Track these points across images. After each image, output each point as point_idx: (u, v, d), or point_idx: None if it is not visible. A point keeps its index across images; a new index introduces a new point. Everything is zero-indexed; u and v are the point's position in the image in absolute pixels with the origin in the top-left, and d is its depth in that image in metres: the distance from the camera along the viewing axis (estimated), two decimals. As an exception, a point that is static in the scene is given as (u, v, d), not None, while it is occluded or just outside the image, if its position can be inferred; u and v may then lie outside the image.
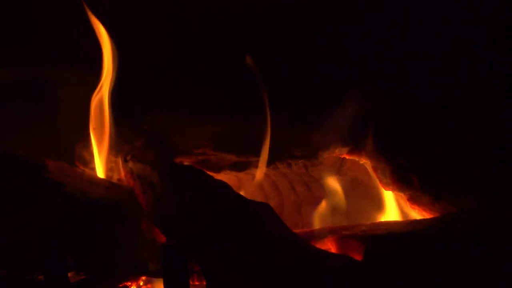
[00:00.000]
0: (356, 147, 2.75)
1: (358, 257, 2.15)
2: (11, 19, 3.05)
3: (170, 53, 3.00)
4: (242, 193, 2.61)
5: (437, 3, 2.83)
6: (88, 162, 2.75)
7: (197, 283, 2.30)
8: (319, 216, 2.78)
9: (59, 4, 2.99)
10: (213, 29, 3.01)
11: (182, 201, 2.28)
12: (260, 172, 2.71)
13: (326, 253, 2.17)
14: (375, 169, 2.68)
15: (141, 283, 2.40)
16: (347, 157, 2.81)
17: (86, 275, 2.27)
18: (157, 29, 3.00)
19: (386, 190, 2.68)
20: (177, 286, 1.98)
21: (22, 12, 3.06)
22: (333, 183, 2.84)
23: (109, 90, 2.69)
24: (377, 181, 2.70)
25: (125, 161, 2.63)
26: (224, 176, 2.77)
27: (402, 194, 2.62)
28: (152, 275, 2.34)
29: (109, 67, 2.69)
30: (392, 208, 2.73)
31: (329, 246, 2.31)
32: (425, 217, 2.56)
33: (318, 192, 2.90)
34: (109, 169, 2.70)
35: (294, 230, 2.31)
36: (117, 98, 2.70)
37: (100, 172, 2.70)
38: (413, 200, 2.59)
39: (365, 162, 2.76)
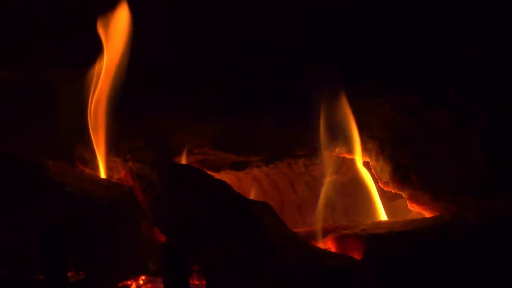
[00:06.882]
0: (355, 146, 2.74)
1: (358, 256, 2.15)
2: (11, 19, 3.05)
3: (169, 53, 3.00)
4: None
5: (438, 3, 2.84)
6: (88, 162, 2.75)
7: (197, 282, 2.30)
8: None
9: (60, 3, 3.00)
10: (212, 29, 3.01)
11: (182, 201, 2.28)
12: None
13: (326, 252, 2.17)
14: (374, 168, 2.68)
15: (141, 283, 2.40)
16: (347, 156, 2.81)
17: (86, 275, 2.27)
18: (155, 30, 3.00)
19: (386, 189, 2.68)
20: (177, 286, 1.99)
21: (22, 12, 3.06)
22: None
23: (108, 90, 2.69)
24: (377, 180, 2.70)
25: (124, 160, 2.63)
26: (224, 176, 2.77)
27: (402, 193, 2.62)
28: (152, 274, 2.34)
29: (108, 66, 2.69)
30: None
31: (329, 245, 2.31)
32: (425, 216, 2.56)
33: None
34: (109, 169, 2.70)
35: (294, 230, 2.32)
36: (117, 98, 2.70)
37: (100, 171, 2.70)
38: (413, 199, 2.59)
39: (365, 161, 2.75)
